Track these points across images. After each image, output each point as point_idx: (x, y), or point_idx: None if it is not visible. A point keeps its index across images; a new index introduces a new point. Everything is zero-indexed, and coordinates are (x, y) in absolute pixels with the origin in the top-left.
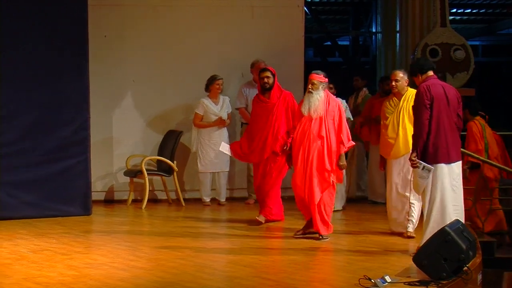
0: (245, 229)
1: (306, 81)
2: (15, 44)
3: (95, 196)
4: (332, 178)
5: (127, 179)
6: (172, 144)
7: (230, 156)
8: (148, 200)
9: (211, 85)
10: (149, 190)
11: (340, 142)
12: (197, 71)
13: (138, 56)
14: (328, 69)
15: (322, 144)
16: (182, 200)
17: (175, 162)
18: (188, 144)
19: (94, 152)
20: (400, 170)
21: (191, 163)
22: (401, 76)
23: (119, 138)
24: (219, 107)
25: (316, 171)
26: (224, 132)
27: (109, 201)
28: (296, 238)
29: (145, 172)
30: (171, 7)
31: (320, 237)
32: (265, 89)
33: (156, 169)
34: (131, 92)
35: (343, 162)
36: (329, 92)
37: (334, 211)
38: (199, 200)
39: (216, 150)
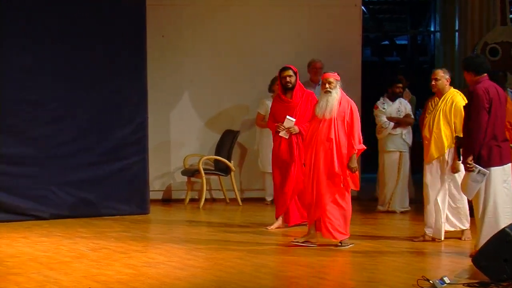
0: (300, 228)
1: (364, 80)
2: (73, 45)
3: (153, 195)
4: (343, 182)
5: (185, 178)
6: (229, 144)
7: None
8: (205, 200)
9: (274, 85)
10: (206, 190)
11: (350, 144)
12: (254, 71)
13: (196, 56)
14: (385, 68)
15: (331, 147)
16: (239, 200)
17: (232, 161)
18: (245, 144)
19: (152, 151)
20: (435, 173)
21: (248, 163)
22: (442, 75)
23: (176, 138)
24: None
25: (324, 175)
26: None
27: (167, 200)
28: (293, 245)
29: (203, 172)
30: (228, 7)
31: (340, 244)
32: (287, 89)
33: (213, 168)
34: (189, 92)
35: (354, 164)
36: (343, 92)
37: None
38: (256, 200)
39: None
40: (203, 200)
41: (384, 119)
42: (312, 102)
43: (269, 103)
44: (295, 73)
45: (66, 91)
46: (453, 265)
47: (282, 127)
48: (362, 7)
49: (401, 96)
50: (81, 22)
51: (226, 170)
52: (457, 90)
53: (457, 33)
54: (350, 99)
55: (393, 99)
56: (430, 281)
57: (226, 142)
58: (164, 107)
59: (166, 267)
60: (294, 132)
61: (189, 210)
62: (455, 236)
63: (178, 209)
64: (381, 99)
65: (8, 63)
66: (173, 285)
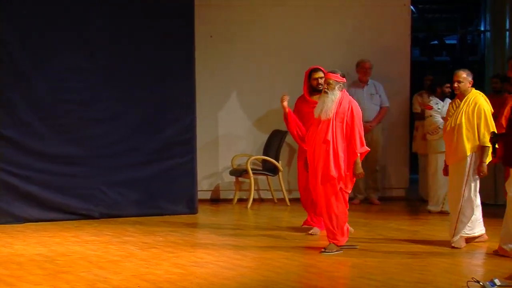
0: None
1: (413, 81)
2: (123, 45)
3: (201, 195)
4: (341, 185)
5: (233, 178)
6: (277, 144)
7: None
8: (253, 200)
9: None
10: (254, 190)
11: (351, 147)
12: (302, 71)
13: (244, 56)
14: (435, 68)
15: (328, 149)
16: (287, 200)
17: (280, 161)
18: (293, 144)
19: (200, 151)
20: (460, 176)
21: (296, 163)
22: (464, 77)
23: (225, 138)
24: None
25: (322, 177)
26: None
27: (215, 200)
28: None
29: (251, 172)
30: (278, 7)
31: (323, 249)
32: (317, 90)
33: (261, 168)
34: (237, 92)
35: (359, 170)
36: (347, 94)
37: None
38: None
39: None
40: (251, 200)
41: (441, 119)
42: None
43: None
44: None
45: (116, 92)
46: (505, 267)
47: None
48: (411, 7)
49: (449, 96)
50: (130, 22)
51: (274, 170)
52: (479, 92)
53: (507, 33)
54: (352, 100)
55: (442, 99)
56: (480, 283)
57: (274, 142)
58: (212, 107)
59: (214, 267)
60: None
61: (237, 210)
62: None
63: (226, 209)
64: (433, 99)
65: (59, 64)
66: (221, 284)
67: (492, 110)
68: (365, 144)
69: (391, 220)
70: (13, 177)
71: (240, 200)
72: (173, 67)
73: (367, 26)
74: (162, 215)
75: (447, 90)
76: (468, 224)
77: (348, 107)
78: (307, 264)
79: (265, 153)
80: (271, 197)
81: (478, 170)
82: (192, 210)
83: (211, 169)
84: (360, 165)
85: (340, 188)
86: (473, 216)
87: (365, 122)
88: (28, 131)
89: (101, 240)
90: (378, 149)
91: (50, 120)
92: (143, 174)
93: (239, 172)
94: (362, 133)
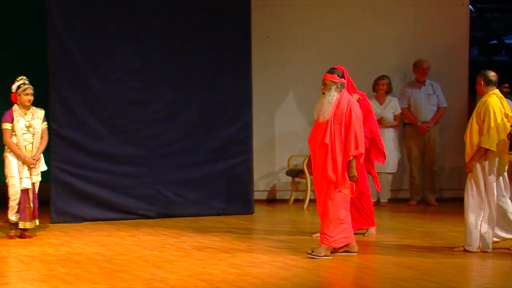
0: (405, 230)
1: (471, 81)
2: (179, 46)
3: (257, 195)
4: (341, 189)
5: (289, 178)
6: None
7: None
8: (310, 200)
9: (376, 85)
10: (311, 190)
11: (347, 149)
12: (359, 71)
13: (300, 56)
14: (494, 68)
15: (326, 152)
16: None
17: None
18: None
19: (256, 152)
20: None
21: None
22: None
23: (281, 138)
24: (382, 108)
25: (321, 180)
26: (388, 133)
27: (271, 200)
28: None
29: (307, 172)
30: (334, 8)
31: (310, 252)
32: None
33: None
34: (293, 93)
35: (352, 173)
36: (346, 94)
37: None
38: None
39: None
40: (307, 200)
41: None
42: (361, 103)
43: (372, 103)
44: (343, 74)
45: (172, 92)
46: None
47: None
48: (470, 6)
49: (508, 97)
50: (187, 23)
51: None
52: (496, 92)
53: None
54: (352, 101)
55: None
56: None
57: None
58: (268, 107)
59: (270, 267)
60: None
61: (293, 210)
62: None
63: (282, 209)
64: None
65: (116, 65)
66: (277, 285)
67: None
68: (360, 147)
69: (448, 221)
70: (71, 176)
71: (297, 201)
72: (229, 67)
73: (424, 26)
74: (218, 215)
75: (505, 90)
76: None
77: (347, 108)
78: (362, 265)
79: None
80: None
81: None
82: (249, 210)
83: (268, 169)
84: (354, 168)
85: (340, 191)
86: None
87: (422, 122)
88: (86, 131)
89: (158, 239)
90: (436, 149)
91: (107, 120)
92: (199, 174)
93: (295, 173)
94: (360, 135)
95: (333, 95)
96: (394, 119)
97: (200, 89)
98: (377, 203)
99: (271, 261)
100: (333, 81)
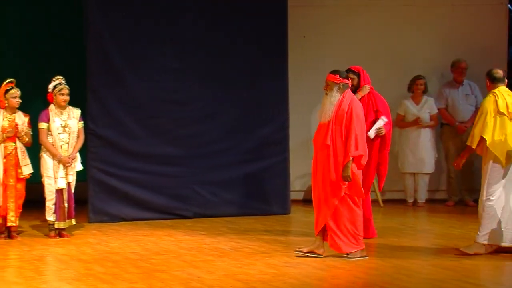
0: (442, 231)
1: (509, 80)
2: (217, 46)
3: (293, 195)
4: (344, 190)
5: None
6: None
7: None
8: None
9: (413, 86)
10: None
11: (347, 149)
12: (396, 71)
13: (337, 56)
14: None
15: (328, 153)
16: (380, 201)
17: None
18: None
19: (293, 151)
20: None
21: (390, 164)
22: None
23: None
24: (419, 108)
25: (324, 182)
26: (425, 133)
27: (308, 200)
28: (296, 256)
29: None
30: (370, 7)
31: (346, 255)
32: (352, 91)
33: None
34: None
35: (346, 173)
36: (349, 95)
37: None
38: (398, 201)
39: (413, 150)
40: None
41: None
42: (377, 103)
43: (408, 103)
44: (358, 74)
45: (210, 92)
46: None
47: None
48: (508, 5)
49: None
50: (224, 24)
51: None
52: (501, 89)
53: None
54: (355, 101)
55: None
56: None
57: None
58: (305, 107)
59: (307, 267)
60: (381, 134)
61: None
62: None
63: None
64: None
65: (154, 65)
66: (314, 285)
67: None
68: (361, 148)
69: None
70: (109, 176)
71: None
72: (266, 67)
73: (463, 25)
74: (255, 215)
75: None
76: None
77: (348, 109)
78: (400, 266)
79: None
80: None
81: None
82: (285, 210)
83: (304, 169)
84: (349, 168)
85: (346, 194)
86: None
87: (460, 122)
88: (123, 131)
89: (195, 239)
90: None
91: (145, 120)
92: (236, 174)
93: None
94: (360, 136)
95: (335, 96)
96: (431, 119)
97: (237, 89)
98: (414, 203)
99: (307, 261)
100: (335, 82)
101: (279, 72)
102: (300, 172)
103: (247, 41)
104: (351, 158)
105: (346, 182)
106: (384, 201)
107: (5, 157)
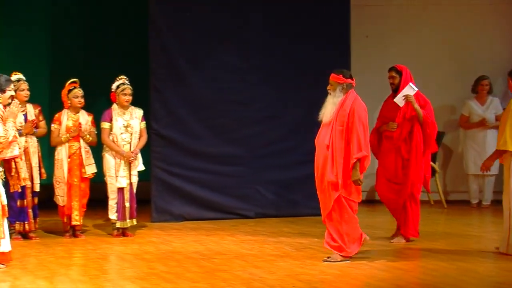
0: None
1: None
2: (280, 46)
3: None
4: (342, 193)
5: None
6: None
7: None
8: None
9: (477, 86)
10: None
11: (351, 152)
12: (461, 71)
13: (401, 56)
14: None
15: (327, 154)
16: (444, 202)
17: (437, 163)
18: (450, 145)
19: None
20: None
21: (454, 165)
22: None
23: None
24: (484, 108)
25: (322, 183)
26: (491, 134)
27: (370, 201)
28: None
29: None
30: (434, 6)
31: (327, 258)
32: (392, 90)
33: None
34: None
35: (355, 176)
36: (352, 95)
37: None
38: (463, 202)
39: (479, 151)
40: None
41: None
42: (420, 102)
43: (473, 104)
44: (400, 73)
45: (273, 92)
46: None
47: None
48: None
49: None
50: (287, 23)
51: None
52: None
53: None
54: (357, 101)
55: None
56: None
57: None
58: (368, 107)
59: (369, 269)
60: (410, 100)
61: None
62: None
63: (381, 210)
64: None
65: (217, 65)
66: (376, 286)
67: None
68: (364, 149)
69: None
70: (171, 176)
71: None
72: (329, 67)
73: None
74: (317, 215)
75: None
76: None
77: (350, 110)
78: (465, 268)
79: None
80: (427, 199)
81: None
82: None
83: (368, 169)
84: (357, 171)
85: (343, 196)
86: None
87: None
88: (186, 130)
89: (257, 239)
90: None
91: (208, 120)
92: (298, 174)
93: None
94: (363, 137)
95: (338, 96)
96: (496, 120)
97: (300, 90)
98: (479, 205)
99: (370, 262)
100: (338, 82)
101: None
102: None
103: (311, 42)
104: (355, 160)
105: (356, 185)
106: (448, 202)
107: (69, 157)
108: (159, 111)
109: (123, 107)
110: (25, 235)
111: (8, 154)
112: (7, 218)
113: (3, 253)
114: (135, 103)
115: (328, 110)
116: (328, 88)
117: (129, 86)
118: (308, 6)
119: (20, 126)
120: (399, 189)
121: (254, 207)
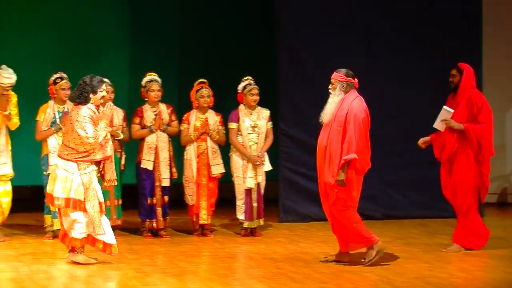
0: None
1: None
2: (405, 46)
3: (487, 198)
4: (340, 194)
5: None
6: None
7: None
8: None
9: None
10: None
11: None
12: None
13: None
14: None
15: (325, 155)
16: None
17: None
18: None
19: None
20: None
21: None
22: None
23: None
24: None
25: (321, 183)
26: None
27: (502, 203)
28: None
29: None
30: None
31: (363, 260)
32: (450, 89)
33: None
34: None
35: (340, 177)
36: (352, 95)
37: None
38: None
39: None
40: None
41: None
42: (474, 100)
43: None
44: (461, 72)
45: (397, 91)
46: None
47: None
48: None
49: None
50: (413, 24)
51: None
52: None
53: None
54: (356, 101)
55: None
56: None
57: None
58: (501, 108)
59: (500, 273)
60: (450, 125)
61: None
62: None
63: None
64: None
65: (342, 66)
66: None
67: None
68: (356, 151)
69: None
70: (299, 176)
71: None
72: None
73: None
74: (445, 217)
75: None
76: None
77: (349, 109)
78: None
79: None
80: None
81: None
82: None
83: (498, 171)
84: (343, 172)
85: (341, 198)
86: None
87: None
88: (314, 131)
89: (384, 240)
90: None
91: None
92: (426, 175)
93: None
94: (358, 139)
95: (338, 95)
96: None
97: (422, 89)
98: None
99: (500, 266)
100: (339, 81)
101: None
102: (494, 174)
103: (438, 41)
104: (343, 161)
105: (339, 185)
106: None
107: (198, 157)
108: (287, 112)
109: (250, 108)
110: (155, 233)
111: (98, 156)
112: (139, 215)
113: (109, 244)
114: (262, 103)
115: (328, 110)
116: (329, 87)
117: (255, 86)
118: (436, 5)
119: (151, 123)
120: None
121: (381, 208)
